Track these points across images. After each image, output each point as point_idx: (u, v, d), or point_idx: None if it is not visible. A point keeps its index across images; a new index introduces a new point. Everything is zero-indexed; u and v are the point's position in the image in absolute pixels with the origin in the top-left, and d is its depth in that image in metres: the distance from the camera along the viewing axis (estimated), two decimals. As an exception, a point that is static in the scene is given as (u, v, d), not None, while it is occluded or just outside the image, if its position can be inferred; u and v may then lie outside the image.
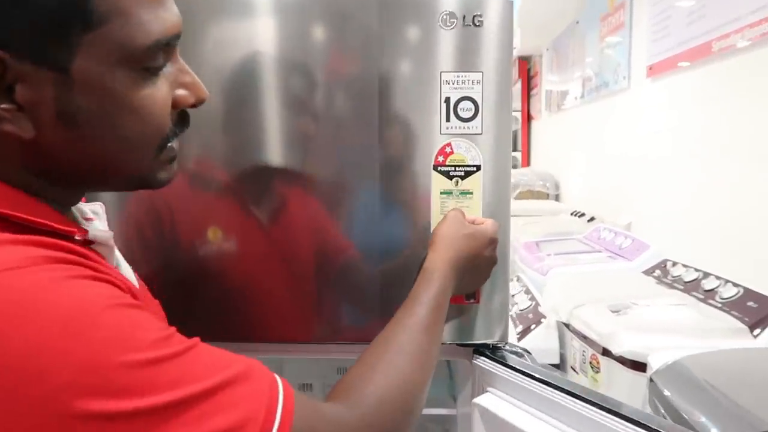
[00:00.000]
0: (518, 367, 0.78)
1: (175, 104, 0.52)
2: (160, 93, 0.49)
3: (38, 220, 0.44)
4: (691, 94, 2.30)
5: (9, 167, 0.46)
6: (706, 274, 1.80)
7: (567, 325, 1.80)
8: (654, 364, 1.32)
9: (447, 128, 0.80)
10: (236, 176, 0.83)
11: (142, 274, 0.83)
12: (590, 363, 1.63)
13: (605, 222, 3.04)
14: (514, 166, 5.80)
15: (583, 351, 1.67)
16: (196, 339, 0.47)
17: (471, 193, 0.81)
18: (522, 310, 2.02)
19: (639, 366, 1.43)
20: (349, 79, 0.81)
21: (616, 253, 2.45)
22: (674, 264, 2.00)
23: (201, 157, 0.83)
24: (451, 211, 0.78)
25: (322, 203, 0.83)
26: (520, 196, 4.50)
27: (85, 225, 0.56)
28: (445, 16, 0.78)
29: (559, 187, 4.53)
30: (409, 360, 0.61)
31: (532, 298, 2.07)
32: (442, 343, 0.85)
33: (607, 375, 1.55)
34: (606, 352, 1.54)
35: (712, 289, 1.72)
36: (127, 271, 0.60)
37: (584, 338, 1.66)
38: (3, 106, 0.42)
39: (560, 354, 1.84)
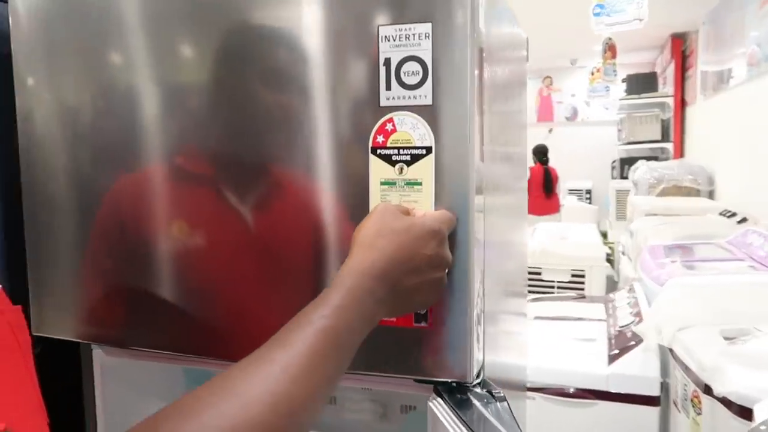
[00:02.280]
0: (467, 421, 0.57)
1: None
2: None
3: None
4: None
5: None
6: None
7: (671, 350, 1.46)
8: (760, 414, 0.99)
9: (388, 99, 0.62)
10: (213, 164, 0.71)
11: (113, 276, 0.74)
12: (691, 401, 1.30)
13: (760, 224, 2.51)
14: (665, 159, 5.11)
15: (685, 385, 1.34)
16: None
17: (419, 184, 0.62)
18: (621, 328, 1.70)
19: (748, 413, 1.09)
20: (265, 35, 0.65)
21: (761, 263, 1.99)
22: (832, 280, 1.55)
23: (175, 145, 0.73)
24: (379, 204, 0.59)
25: (310, 187, 0.68)
26: (664, 193, 3.95)
27: None
28: (381, -48, 0.60)
29: (714, 182, 3.89)
30: (258, 399, 0.44)
31: (637, 314, 1.74)
32: (399, 377, 0.68)
33: (710, 419, 1.22)
34: (708, 390, 1.21)
35: None
36: None
37: (686, 369, 1.33)
38: None
39: (663, 384, 1.50)
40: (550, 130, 7.57)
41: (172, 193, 0.74)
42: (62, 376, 0.90)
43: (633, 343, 1.58)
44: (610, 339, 1.67)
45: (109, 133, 0.76)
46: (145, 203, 0.75)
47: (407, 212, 0.60)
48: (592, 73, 6.03)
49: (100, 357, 0.89)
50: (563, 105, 7.70)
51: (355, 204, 0.64)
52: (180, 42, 0.72)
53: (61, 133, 0.78)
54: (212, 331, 0.73)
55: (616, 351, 1.59)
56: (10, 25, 0.77)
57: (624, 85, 5.76)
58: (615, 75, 4.54)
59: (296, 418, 0.45)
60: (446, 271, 0.60)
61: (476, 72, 0.62)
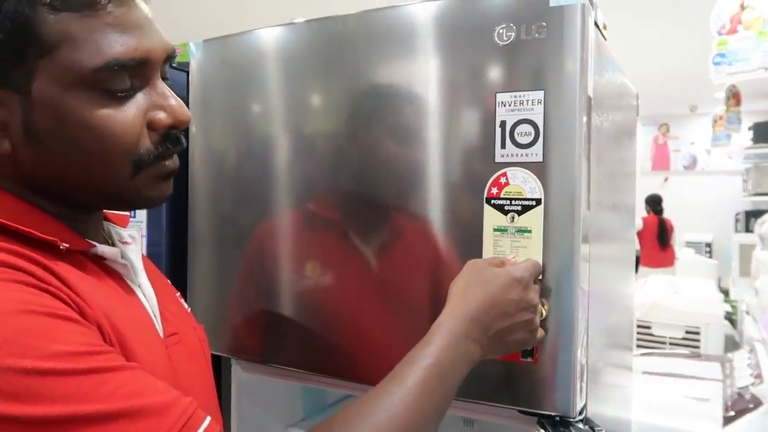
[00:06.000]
0: (569, 453, 0.62)
1: (152, 125, 0.54)
2: (123, 114, 0.51)
3: (17, 226, 0.49)
4: None
5: (5, 180, 0.53)
6: None
7: (795, 417, 1.38)
8: None
9: (502, 156, 0.70)
10: (341, 209, 0.83)
11: (255, 303, 0.89)
12: (818, 472, 1.22)
13: None
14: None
15: (810, 454, 1.26)
16: (130, 363, 0.47)
17: (529, 231, 0.69)
18: (739, 389, 1.61)
19: None
20: (394, 102, 0.76)
21: None
22: None
23: (307, 190, 0.85)
24: (469, 261, 0.67)
25: (426, 232, 0.77)
26: (796, 250, 3.63)
27: (119, 246, 0.62)
28: (501, 30, 0.69)
29: None
30: (383, 423, 0.53)
31: (758, 375, 1.65)
32: (506, 407, 0.74)
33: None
34: (836, 462, 1.13)
35: None
36: (148, 290, 0.62)
37: (811, 437, 1.25)
38: None
39: (786, 453, 1.41)
40: (666, 179, 7.23)
41: (305, 235, 0.85)
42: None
43: (752, 405, 1.50)
44: (725, 400, 1.60)
45: (248, 180, 0.90)
46: (283, 242, 0.87)
47: (500, 264, 0.67)
48: (715, 121, 5.73)
49: (238, 373, 1.02)
50: (681, 153, 7.34)
51: (466, 248, 0.73)
52: (312, 98, 0.85)
53: (208, 177, 0.94)
54: (338, 354, 0.83)
55: (732, 413, 1.51)
56: (189, 89, 0.95)
57: (750, 133, 5.43)
58: (739, 123, 4.30)
59: None
60: (537, 313, 0.66)
61: (584, 130, 0.69)
